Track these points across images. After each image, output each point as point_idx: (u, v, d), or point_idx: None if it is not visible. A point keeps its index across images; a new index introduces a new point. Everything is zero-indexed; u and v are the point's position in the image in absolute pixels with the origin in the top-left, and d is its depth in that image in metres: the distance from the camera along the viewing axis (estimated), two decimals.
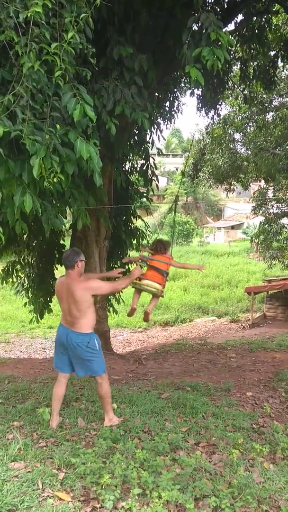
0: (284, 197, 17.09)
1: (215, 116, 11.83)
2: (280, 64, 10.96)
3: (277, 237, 17.57)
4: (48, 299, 9.87)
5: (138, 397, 5.28)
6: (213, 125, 15.50)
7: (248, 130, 16.43)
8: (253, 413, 5.08)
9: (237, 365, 7.94)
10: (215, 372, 7.40)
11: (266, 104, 15.23)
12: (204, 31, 4.28)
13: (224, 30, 6.66)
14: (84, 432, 4.23)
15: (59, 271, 9.81)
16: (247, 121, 16.04)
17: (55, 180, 3.84)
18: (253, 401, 5.59)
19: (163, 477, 3.25)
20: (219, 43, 4.25)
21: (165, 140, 14.67)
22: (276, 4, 8.53)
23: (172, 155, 63.26)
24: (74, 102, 3.76)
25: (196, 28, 4.49)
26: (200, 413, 4.86)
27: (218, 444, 4.10)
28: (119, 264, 10.13)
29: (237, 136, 16.90)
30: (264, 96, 14.62)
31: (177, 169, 55.80)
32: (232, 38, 8.50)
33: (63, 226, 8.83)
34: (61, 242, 9.74)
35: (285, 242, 18.27)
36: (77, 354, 4.28)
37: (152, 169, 8.74)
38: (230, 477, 3.48)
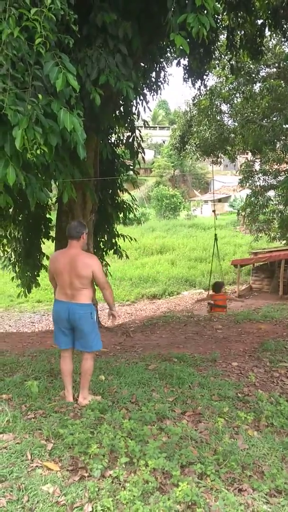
0: (270, 170, 17.06)
1: (202, 87, 11.61)
2: (267, 33, 10.73)
3: (264, 209, 17.62)
4: (36, 273, 9.87)
5: (125, 369, 5.34)
6: (200, 96, 15.27)
7: (235, 102, 16.22)
8: (238, 382, 5.18)
9: (223, 336, 8.05)
10: (201, 343, 7.50)
11: (253, 75, 15.02)
12: None
13: None
14: (72, 403, 4.28)
15: (46, 245, 9.80)
16: (234, 92, 15.81)
17: (38, 152, 3.76)
18: (239, 371, 5.69)
19: (150, 445, 3.32)
20: (205, 10, 4.14)
21: (151, 111, 14.49)
22: None
23: (159, 127, 62.50)
24: (57, 71, 3.66)
25: None
26: (187, 383, 4.94)
27: (204, 413, 4.19)
28: (106, 238, 10.11)
29: (224, 107, 16.69)
30: (251, 66, 14.41)
31: (164, 142, 55.21)
32: (219, 5, 8.29)
33: (49, 200, 8.77)
34: (48, 216, 9.67)
35: (271, 215, 18.35)
36: (81, 326, 4.21)
37: (138, 141, 8.63)
38: (215, 445, 3.56)
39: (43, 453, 3.34)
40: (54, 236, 9.13)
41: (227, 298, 7.63)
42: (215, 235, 7.72)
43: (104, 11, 4.91)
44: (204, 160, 21.07)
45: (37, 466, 3.18)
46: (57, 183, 5.52)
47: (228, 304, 7.86)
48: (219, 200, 46.85)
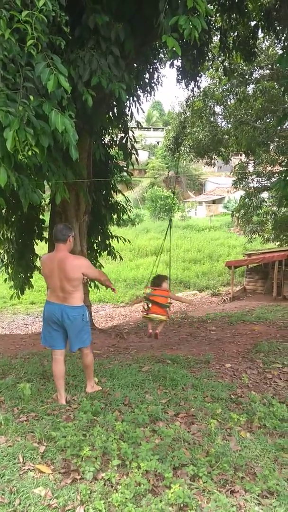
0: (264, 171, 17.11)
1: (195, 89, 11.64)
2: (260, 35, 10.77)
3: (257, 211, 17.66)
4: (29, 274, 9.82)
5: (119, 371, 5.34)
6: (194, 98, 15.29)
7: (229, 103, 16.24)
8: (232, 384, 5.18)
9: (216, 338, 8.06)
10: (195, 344, 7.51)
11: (247, 76, 15.04)
12: None
13: None
14: (65, 406, 4.27)
15: (39, 246, 9.76)
16: (228, 93, 15.82)
17: (29, 153, 3.75)
18: (232, 372, 5.70)
19: (142, 448, 3.31)
20: (196, 12, 4.14)
21: (144, 112, 14.49)
22: None
23: (153, 128, 62.53)
24: (48, 72, 3.65)
25: None
26: (180, 385, 4.94)
27: (197, 415, 4.19)
28: (99, 239, 10.09)
29: (217, 109, 16.70)
30: (244, 68, 14.43)
31: (158, 143, 55.28)
32: (212, 7, 8.31)
33: (43, 201, 8.74)
34: (41, 217, 9.64)
35: (265, 216, 18.40)
36: (74, 328, 4.29)
37: (131, 142, 8.63)
38: (208, 446, 3.56)
39: (35, 456, 3.32)
40: (47, 237, 9.10)
41: (170, 296, 5.79)
42: (170, 220, 6.94)
43: (97, 13, 4.90)
44: (198, 161, 21.10)
45: (29, 469, 3.17)
46: (50, 184, 5.51)
47: (171, 306, 5.82)
48: (213, 202, 46.95)
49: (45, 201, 9.11)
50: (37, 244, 9.81)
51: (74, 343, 4.40)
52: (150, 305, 5.74)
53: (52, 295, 4.32)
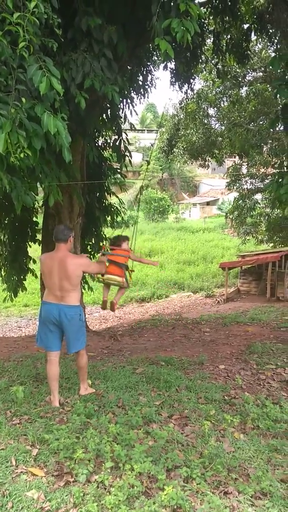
0: (257, 173, 17.18)
1: (189, 91, 11.71)
2: (253, 37, 10.83)
3: (251, 212, 17.73)
4: (22, 277, 9.79)
5: (112, 373, 5.33)
6: (187, 100, 15.34)
7: (222, 105, 16.32)
8: (225, 385, 5.19)
9: (210, 339, 8.07)
10: (189, 346, 7.52)
11: (240, 79, 15.14)
12: (173, 2, 4.18)
13: (196, 1, 6.55)
14: (58, 408, 4.26)
15: (33, 248, 9.74)
16: (221, 96, 15.92)
17: (22, 155, 3.74)
18: (226, 373, 5.71)
19: (135, 450, 3.31)
20: (189, 16, 4.16)
21: (137, 114, 14.56)
22: None
23: (147, 130, 62.57)
24: (40, 75, 3.65)
25: None
26: (174, 386, 4.95)
27: (191, 416, 4.19)
28: (93, 241, 10.09)
29: (211, 111, 16.78)
30: (237, 70, 14.51)
31: (152, 145, 55.37)
32: (205, 10, 8.35)
33: (36, 203, 8.72)
34: (34, 219, 9.62)
35: (258, 218, 18.47)
36: (72, 328, 4.32)
37: (125, 144, 8.63)
38: (201, 448, 3.56)
39: (28, 459, 3.31)
40: (40, 239, 9.08)
41: (130, 256, 5.14)
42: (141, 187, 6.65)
43: (89, 16, 4.90)
44: (192, 163, 21.16)
45: (21, 472, 3.16)
46: (43, 187, 5.50)
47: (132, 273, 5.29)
48: (207, 203, 47.04)
49: (38, 203, 9.09)
50: (30, 247, 9.79)
51: (72, 344, 4.41)
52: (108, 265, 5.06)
53: (50, 294, 4.35)
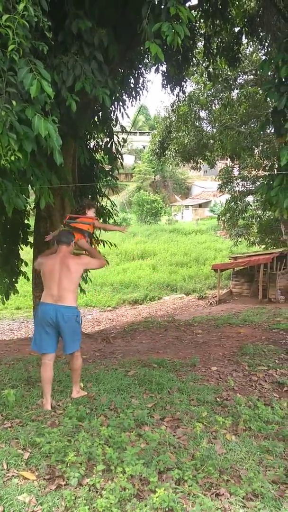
0: (249, 175, 17.27)
1: (180, 93, 11.74)
2: (244, 40, 10.89)
3: (243, 214, 17.81)
4: (14, 279, 9.74)
5: (104, 376, 5.32)
6: (179, 103, 15.39)
7: (214, 108, 16.40)
8: (217, 387, 5.21)
9: (203, 341, 8.09)
10: (181, 348, 7.52)
11: (231, 82, 15.20)
12: (163, 5, 4.20)
13: (187, 4, 6.59)
14: (50, 412, 4.24)
15: (24, 251, 9.70)
16: (212, 98, 15.98)
17: (12, 158, 3.74)
18: (218, 375, 5.72)
19: (127, 452, 3.31)
20: (179, 19, 4.18)
21: (129, 117, 14.56)
22: None
23: (139, 133, 62.66)
24: (31, 78, 3.65)
25: (156, 2, 4.40)
26: (166, 388, 4.95)
27: (183, 418, 4.19)
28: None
29: (202, 113, 16.85)
30: (228, 73, 14.58)
31: (144, 147, 55.39)
32: (195, 13, 8.39)
33: (28, 206, 8.69)
34: (26, 222, 9.58)
35: (250, 219, 18.54)
36: (69, 328, 4.34)
37: (116, 147, 8.64)
38: (193, 450, 3.57)
39: (19, 463, 3.29)
40: (32, 242, 9.05)
41: (94, 224, 4.98)
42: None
43: (80, 18, 4.92)
44: (184, 165, 21.22)
45: (13, 475, 3.14)
46: (34, 189, 5.50)
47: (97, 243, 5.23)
48: (200, 205, 47.16)
49: (30, 206, 9.07)
50: (22, 249, 9.75)
51: (68, 344, 4.42)
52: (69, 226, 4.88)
53: (47, 294, 4.39)
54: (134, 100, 10.29)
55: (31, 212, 9.71)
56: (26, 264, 9.58)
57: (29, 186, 5.57)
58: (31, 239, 9.38)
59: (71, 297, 4.37)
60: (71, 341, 4.41)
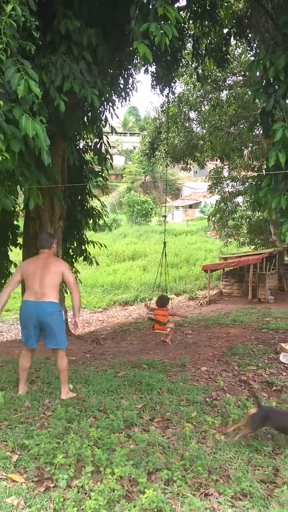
0: (238, 176, 17.34)
1: (170, 94, 11.77)
2: (232, 42, 10.94)
3: (233, 215, 17.87)
4: (3, 281, 9.67)
5: (94, 377, 5.31)
6: (168, 103, 15.41)
7: (203, 109, 16.44)
8: (207, 387, 5.21)
9: (193, 341, 8.10)
10: (171, 348, 7.53)
11: (220, 83, 15.25)
12: (151, 5, 4.20)
13: (175, 5, 6.60)
14: (39, 414, 4.21)
15: (14, 252, 9.65)
16: (202, 99, 16.02)
17: (0, 158, 3.71)
18: (207, 375, 5.73)
19: (116, 453, 3.30)
20: (167, 20, 4.18)
21: (118, 118, 14.62)
22: None
23: (130, 133, 62.65)
24: (18, 78, 3.64)
25: (145, 2, 4.39)
26: (156, 389, 4.94)
27: (172, 419, 4.19)
28: (75, 245, 10.04)
29: (192, 114, 16.88)
30: (217, 74, 14.63)
31: (134, 148, 55.36)
32: (184, 14, 8.40)
33: (17, 206, 8.65)
34: (15, 222, 9.53)
35: (240, 220, 18.61)
36: (50, 323, 4.44)
37: (106, 147, 8.63)
38: (182, 450, 3.57)
39: (8, 465, 3.27)
40: (21, 243, 9.00)
41: (168, 314, 7.31)
42: (164, 243, 8.65)
43: (68, 18, 4.90)
44: (174, 166, 21.25)
45: (1, 478, 3.11)
46: (23, 190, 5.46)
47: (173, 321, 7.57)
48: (190, 206, 47.23)
49: (19, 207, 9.02)
50: (11, 251, 9.70)
51: (48, 340, 4.55)
52: (153, 320, 7.33)
53: (30, 294, 4.50)
54: (123, 100, 10.30)
55: (20, 213, 9.66)
56: (16, 266, 9.52)
57: (18, 186, 5.54)
58: (20, 240, 9.33)
59: (54, 293, 4.50)
60: (51, 336, 4.52)
